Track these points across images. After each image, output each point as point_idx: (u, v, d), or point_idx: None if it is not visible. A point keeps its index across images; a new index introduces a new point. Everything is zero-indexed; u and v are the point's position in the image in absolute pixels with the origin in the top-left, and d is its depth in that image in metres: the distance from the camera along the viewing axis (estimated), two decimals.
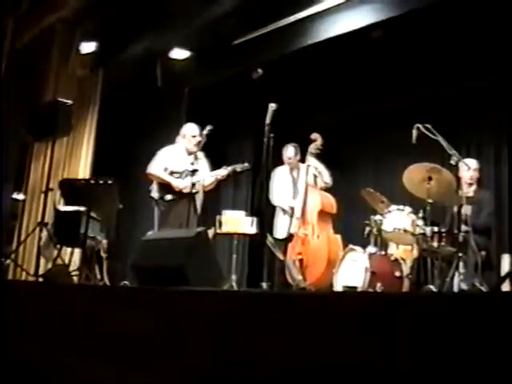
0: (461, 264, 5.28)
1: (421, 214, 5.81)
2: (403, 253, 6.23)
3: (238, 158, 8.51)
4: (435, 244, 5.60)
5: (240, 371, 2.67)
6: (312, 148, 6.79)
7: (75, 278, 6.29)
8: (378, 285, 5.73)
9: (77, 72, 8.52)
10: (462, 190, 5.79)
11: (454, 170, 5.71)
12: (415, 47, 6.89)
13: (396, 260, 6.02)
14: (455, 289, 5.26)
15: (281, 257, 6.42)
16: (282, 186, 7.01)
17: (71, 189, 6.40)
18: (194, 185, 6.31)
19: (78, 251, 7.00)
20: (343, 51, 7.23)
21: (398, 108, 7.90)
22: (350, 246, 6.24)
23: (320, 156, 6.86)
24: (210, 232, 6.42)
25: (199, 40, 7.92)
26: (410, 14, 6.39)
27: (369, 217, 6.29)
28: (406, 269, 5.98)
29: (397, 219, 5.89)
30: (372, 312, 2.36)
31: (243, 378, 2.64)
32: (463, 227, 5.45)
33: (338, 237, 6.69)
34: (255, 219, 6.87)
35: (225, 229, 6.90)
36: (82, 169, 8.41)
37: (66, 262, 6.81)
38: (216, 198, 8.79)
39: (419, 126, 5.65)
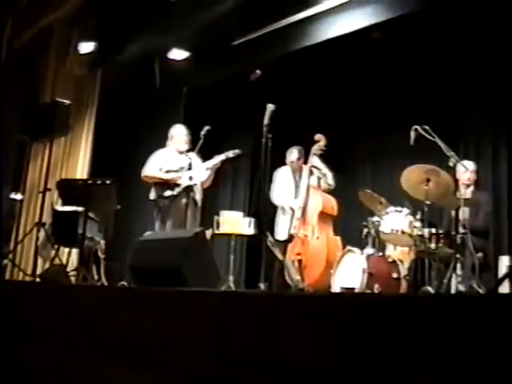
0: (458, 265, 5.29)
1: (418, 216, 5.82)
2: (401, 254, 6.24)
3: (237, 159, 8.52)
4: (433, 245, 5.60)
5: (237, 372, 2.67)
6: (315, 149, 6.79)
7: (73, 279, 6.29)
8: (376, 286, 5.73)
9: (75, 72, 8.52)
10: (459, 192, 5.80)
11: (452, 171, 5.72)
12: (414, 49, 6.90)
13: (394, 261, 6.02)
14: (453, 290, 5.26)
15: (280, 257, 6.42)
16: (283, 185, 7.00)
17: (69, 189, 6.39)
18: (191, 178, 6.34)
19: (75, 251, 7.02)
20: (342, 52, 7.23)
21: (396, 109, 7.90)
22: (348, 247, 6.25)
23: (321, 157, 6.86)
24: (208, 232, 6.43)
25: (197, 40, 7.91)
26: (408, 16, 6.39)
27: (366, 218, 6.30)
28: (403, 270, 5.98)
29: (394, 220, 5.89)
30: (369, 313, 2.36)
31: (240, 379, 2.64)
32: (461, 229, 5.46)
33: (338, 238, 6.69)
34: (253, 220, 6.88)
35: (223, 229, 6.92)
36: (80, 169, 8.41)
37: (64, 262, 6.81)
38: (214, 199, 8.80)
39: (417, 127, 5.67)
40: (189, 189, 6.36)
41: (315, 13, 7.04)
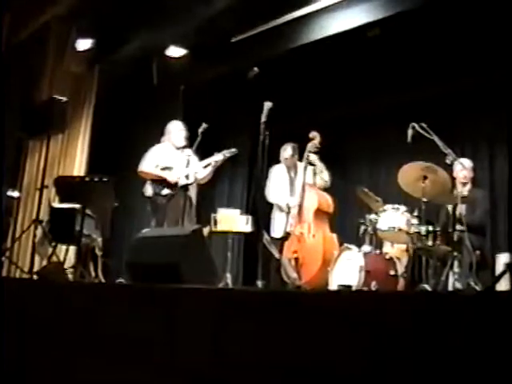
0: (455, 263, 5.29)
1: (416, 213, 5.82)
2: (398, 252, 6.25)
3: (234, 156, 8.52)
4: (430, 243, 5.60)
5: (234, 369, 2.67)
6: (310, 146, 6.79)
7: (70, 276, 6.29)
8: (373, 283, 5.74)
9: (72, 69, 8.51)
10: (456, 190, 5.80)
11: (449, 169, 5.72)
12: (411, 46, 6.90)
13: (391, 259, 6.03)
14: (450, 288, 5.27)
15: (277, 255, 6.43)
16: (279, 184, 7.00)
17: (66, 186, 6.38)
18: (187, 177, 6.36)
19: (72, 248, 7.00)
20: (340, 50, 7.23)
21: (393, 107, 7.91)
22: (345, 244, 6.25)
23: (317, 154, 6.86)
24: (205, 230, 6.44)
25: (195, 38, 7.91)
26: (405, 13, 6.40)
27: (364, 215, 6.30)
28: (400, 268, 5.99)
29: (392, 218, 5.90)
30: (366, 311, 2.36)
31: (237, 376, 2.65)
32: (458, 226, 5.46)
33: (334, 236, 6.69)
34: (250, 217, 6.89)
35: (220, 227, 6.92)
36: (77, 166, 8.40)
37: (61, 259, 6.80)
38: (211, 196, 8.81)
39: (414, 125, 5.67)
40: (185, 187, 6.38)
41: (313, 10, 7.04)
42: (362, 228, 6.23)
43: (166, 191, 6.43)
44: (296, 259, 6.41)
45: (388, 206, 6.03)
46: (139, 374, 3.04)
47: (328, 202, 6.77)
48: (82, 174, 8.15)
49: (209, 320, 2.86)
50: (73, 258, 7.01)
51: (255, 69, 6.20)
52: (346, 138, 8.77)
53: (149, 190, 6.58)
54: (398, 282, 5.91)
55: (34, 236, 6.48)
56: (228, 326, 2.77)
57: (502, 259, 5.96)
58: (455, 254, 5.32)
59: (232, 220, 6.96)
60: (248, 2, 7.02)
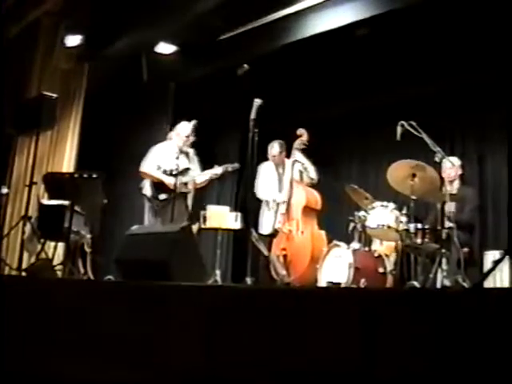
0: (444, 260, 5.31)
1: (405, 211, 5.84)
2: (387, 249, 6.27)
3: (224, 154, 8.54)
4: (419, 240, 5.62)
5: (224, 366, 2.68)
6: (298, 143, 6.81)
7: (59, 273, 6.27)
8: (362, 280, 5.76)
9: (62, 65, 8.47)
10: (445, 187, 5.82)
11: (438, 167, 5.74)
12: (401, 45, 6.91)
13: (380, 256, 6.05)
14: (438, 285, 5.29)
15: (265, 252, 6.44)
16: (267, 181, 7.01)
17: (55, 182, 6.36)
18: (186, 184, 6.39)
19: (61, 245, 6.98)
20: (329, 48, 7.23)
21: (382, 105, 7.93)
22: (334, 241, 6.27)
23: (305, 152, 6.87)
24: (195, 227, 6.44)
25: (185, 35, 7.90)
26: (395, 12, 6.41)
27: (353, 213, 6.32)
28: (389, 265, 6.02)
29: (381, 216, 5.91)
30: (356, 307, 2.37)
31: (227, 373, 2.65)
32: (446, 224, 5.48)
33: (323, 233, 6.70)
34: (239, 214, 6.89)
35: (209, 224, 6.91)
36: (67, 162, 8.37)
37: (50, 256, 6.78)
38: (201, 193, 8.80)
39: (404, 123, 5.68)
40: (182, 194, 6.41)
41: (303, 8, 7.04)
42: (351, 225, 6.25)
43: (163, 196, 6.44)
44: (285, 256, 6.43)
45: (377, 204, 6.05)
46: (128, 372, 3.04)
47: (316, 198, 6.78)
48: (71, 170, 8.12)
49: (198, 317, 2.86)
50: (61, 255, 6.98)
51: (245, 66, 6.20)
52: (336, 136, 8.77)
53: (148, 189, 6.59)
54: (386, 279, 5.94)
55: (23, 233, 6.45)
56: (217, 322, 2.78)
57: (490, 256, 5.99)
58: (444, 251, 5.34)
59: (221, 217, 6.96)
60: (237, 0, 7.02)
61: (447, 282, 5.24)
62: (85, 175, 6.06)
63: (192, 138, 6.62)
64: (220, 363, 2.70)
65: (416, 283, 5.36)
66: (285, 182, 6.85)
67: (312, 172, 6.91)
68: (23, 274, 5.98)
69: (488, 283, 4.42)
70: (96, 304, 3.44)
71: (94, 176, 6.02)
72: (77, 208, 6.35)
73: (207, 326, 2.80)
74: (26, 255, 6.68)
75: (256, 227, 6.69)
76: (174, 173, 6.39)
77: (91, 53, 8.40)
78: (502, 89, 6.22)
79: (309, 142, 6.80)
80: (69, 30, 8.16)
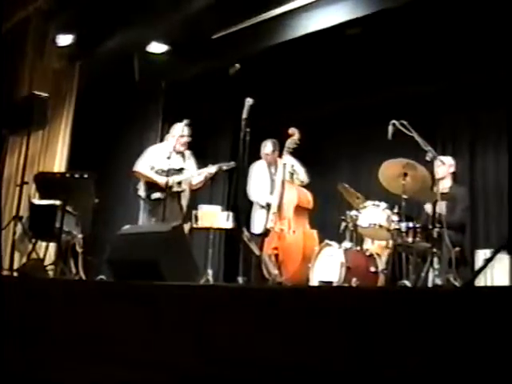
0: (435, 259, 5.33)
1: (396, 210, 5.85)
2: (378, 248, 6.29)
3: (216, 153, 8.54)
4: (410, 239, 5.64)
5: (216, 365, 2.68)
6: (289, 143, 6.80)
7: (50, 273, 6.26)
8: (354, 280, 5.77)
9: (53, 65, 8.44)
10: (436, 187, 5.84)
11: (429, 166, 5.76)
12: (393, 45, 6.93)
13: (371, 255, 6.06)
14: (430, 284, 5.30)
15: (257, 252, 6.44)
16: (259, 181, 7.01)
17: (46, 182, 6.35)
18: (180, 183, 6.38)
19: (53, 245, 6.96)
20: (321, 47, 7.23)
21: (374, 104, 7.95)
22: (326, 241, 6.27)
23: (297, 151, 6.87)
24: (186, 226, 6.43)
25: (177, 34, 7.89)
26: (387, 11, 6.42)
27: (345, 212, 6.33)
28: (381, 264, 6.03)
29: (372, 215, 5.93)
30: (347, 307, 2.37)
31: (219, 372, 2.65)
32: (437, 223, 5.49)
33: (314, 232, 6.71)
34: (231, 214, 6.89)
35: (201, 223, 6.91)
36: (58, 162, 8.35)
37: (41, 256, 6.77)
38: (193, 193, 8.79)
39: (395, 122, 5.69)
40: (176, 194, 6.41)
41: (295, 7, 7.04)
42: (343, 224, 6.25)
43: (156, 195, 6.44)
44: (276, 255, 6.43)
45: (369, 203, 6.06)
46: (120, 371, 3.03)
47: (308, 198, 6.78)
48: (62, 170, 8.09)
49: (190, 316, 2.86)
50: (53, 255, 6.97)
51: (237, 65, 6.20)
52: (328, 135, 8.80)
53: (142, 190, 6.59)
54: (378, 278, 5.95)
55: (14, 232, 6.43)
56: (209, 322, 2.78)
57: (481, 255, 6.01)
58: (435, 250, 5.36)
59: (213, 216, 6.96)
60: None
61: (439, 281, 5.25)
62: (76, 175, 6.06)
63: (187, 139, 6.62)
64: (212, 363, 2.70)
65: (407, 282, 5.38)
66: (277, 182, 6.84)
67: (302, 174, 6.92)
68: (14, 274, 5.96)
69: (479, 281, 4.45)
70: (88, 304, 3.43)
71: (86, 176, 6.01)
72: (68, 208, 6.33)
73: (199, 326, 2.80)
74: (17, 255, 6.66)
75: (248, 226, 6.70)
76: (165, 173, 6.40)
77: (82, 52, 8.38)
78: (498, 89, 6.25)
79: (300, 141, 6.79)
80: (60, 29, 8.13)
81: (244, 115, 5.84)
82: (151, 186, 6.49)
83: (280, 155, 6.95)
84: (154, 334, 3.01)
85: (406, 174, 5.61)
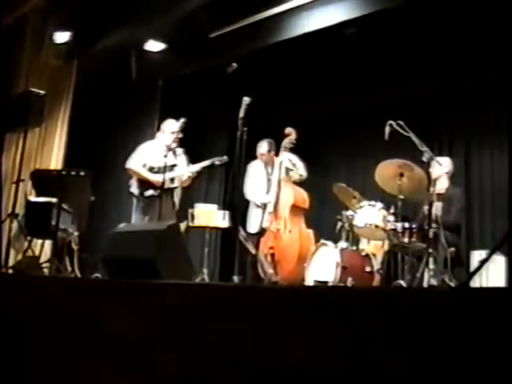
0: (431, 260, 5.32)
1: (392, 210, 5.86)
2: (374, 248, 6.29)
3: (212, 152, 8.51)
4: (406, 240, 5.63)
5: (211, 364, 2.68)
6: (286, 142, 6.79)
7: (46, 270, 6.25)
8: (349, 279, 5.77)
9: (50, 62, 8.45)
10: (433, 187, 5.84)
11: (426, 166, 5.76)
12: (389, 45, 6.94)
13: (367, 255, 6.07)
14: (425, 284, 5.31)
15: (253, 251, 6.44)
16: (256, 180, 7.01)
17: (43, 180, 6.34)
18: (172, 180, 6.36)
19: (48, 243, 6.96)
20: (318, 47, 7.24)
21: (371, 104, 7.95)
22: (322, 240, 6.27)
23: (293, 151, 6.87)
24: (183, 225, 6.43)
25: (174, 33, 7.89)
26: (384, 12, 6.43)
27: (341, 212, 6.33)
28: (376, 264, 6.03)
29: (368, 215, 5.92)
30: (343, 306, 2.38)
31: (214, 371, 2.65)
32: (433, 224, 5.49)
33: (310, 231, 6.71)
34: (227, 213, 6.89)
35: (197, 222, 6.92)
36: (54, 160, 8.35)
37: (37, 253, 6.76)
38: (189, 191, 8.79)
39: (392, 122, 5.68)
40: (169, 191, 6.39)
41: (292, 6, 7.04)
42: (339, 224, 6.26)
43: (149, 192, 6.42)
44: (272, 255, 6.42)
45: (365, 203, 6.06)
46: (115, 370, 3.03)
47: (304, 197, 6.78)
48: (58, 167, 8.09)
49: (185, 315, 2.86)
50: (49, 253, 6.96)
51: (234, 64, 6.20)
52: (324, 135, 8.80)
53: (134, 187, 6.57)
54: (373, 278, 5.95)
55: (10, 230, 6.42)
56: (205, 320, 2.78)
57: (476, 256, 6.02)
58: (430, 250, 5.35)
59: (209, 215, 6.96)
60: None
61: (434, 282, 5.25)
62: (72, 173, 6.05)
63: (178, 135, 6.59)
64: (207, 361, 2.70)
65: (403, 282, 5.38)
66: (273, 182, 6.84)
67: (301, 168, 6.91)
68: (10, 271, 5.96)
69: (474, 282, 4.45)
70: (83, 302, 3.43)
71: (82, 173, 6.01)
72: (64, 205, 6.33)
73: (194, 324, 2.80)
74: (12, 253, 6.65)
75: (244, 226, 6.70)
76: (158, 170, 6.39)
77: (80, 50, 8.38)
78: (495, 90, 6.25)
79: (297, 140, 6.79)
80: (57, 26, 8.13)
81: (241, 114, 5.83)
82: (143, 183, 6.47)
83: (276, 155, 6.94)
84: (148, 332, 3.01)
85: (402, 175, 5.61)
